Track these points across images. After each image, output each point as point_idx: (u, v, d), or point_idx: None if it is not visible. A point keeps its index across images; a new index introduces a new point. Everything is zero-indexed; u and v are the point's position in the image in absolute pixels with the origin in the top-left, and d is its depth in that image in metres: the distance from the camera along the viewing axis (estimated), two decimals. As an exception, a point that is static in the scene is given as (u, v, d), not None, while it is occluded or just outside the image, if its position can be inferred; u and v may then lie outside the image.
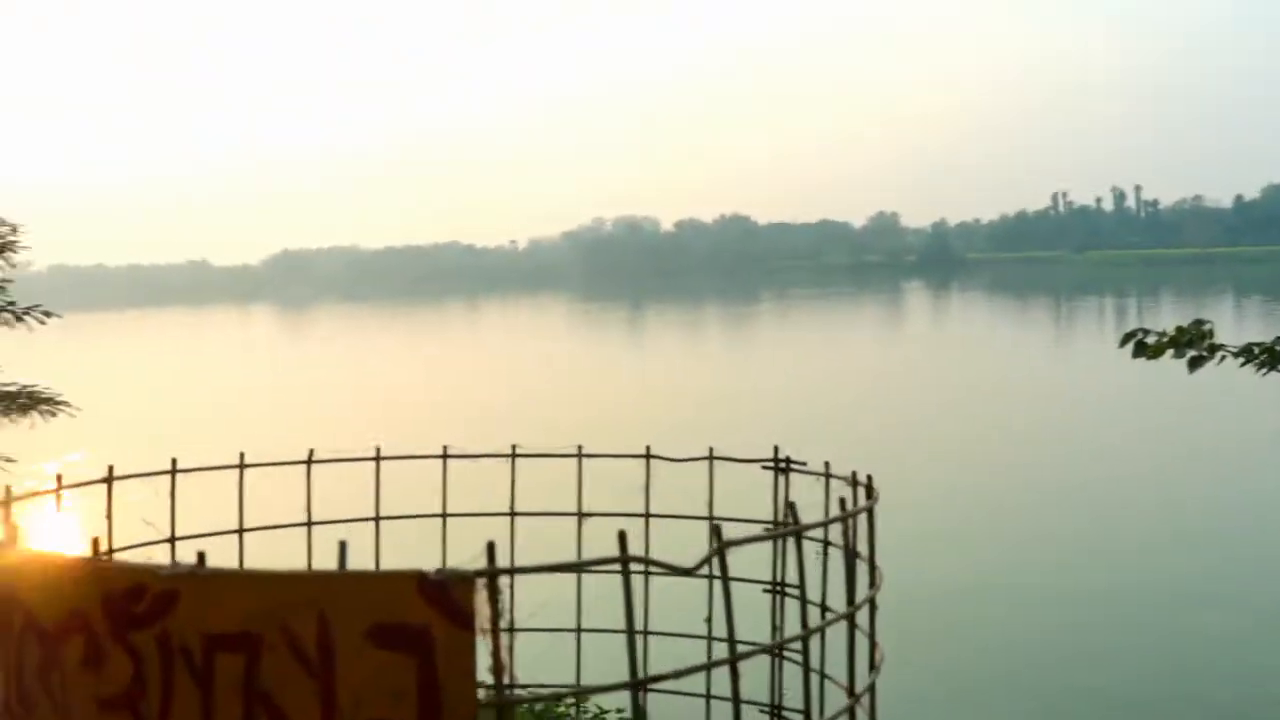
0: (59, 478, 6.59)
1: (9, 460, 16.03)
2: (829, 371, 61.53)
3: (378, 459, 7.72)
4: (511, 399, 50.32)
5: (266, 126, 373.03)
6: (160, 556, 8.51)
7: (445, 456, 7.94)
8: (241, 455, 7.48)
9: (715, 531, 2.72)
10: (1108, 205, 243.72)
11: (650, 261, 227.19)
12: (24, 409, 15.67)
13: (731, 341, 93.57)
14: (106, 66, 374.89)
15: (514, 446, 7.86)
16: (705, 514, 7.25)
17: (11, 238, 15.60)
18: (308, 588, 2.48)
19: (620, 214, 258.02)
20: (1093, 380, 52.47)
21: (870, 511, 4.05)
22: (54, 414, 16.03)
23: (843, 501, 4.10)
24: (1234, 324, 68.61)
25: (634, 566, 2.51)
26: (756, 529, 7.09)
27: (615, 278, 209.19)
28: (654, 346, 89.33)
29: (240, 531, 7.46)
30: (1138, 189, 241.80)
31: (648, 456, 7.70)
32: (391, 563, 8.01)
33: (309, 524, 7.56)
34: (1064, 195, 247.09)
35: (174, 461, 7.27)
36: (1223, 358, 6.77)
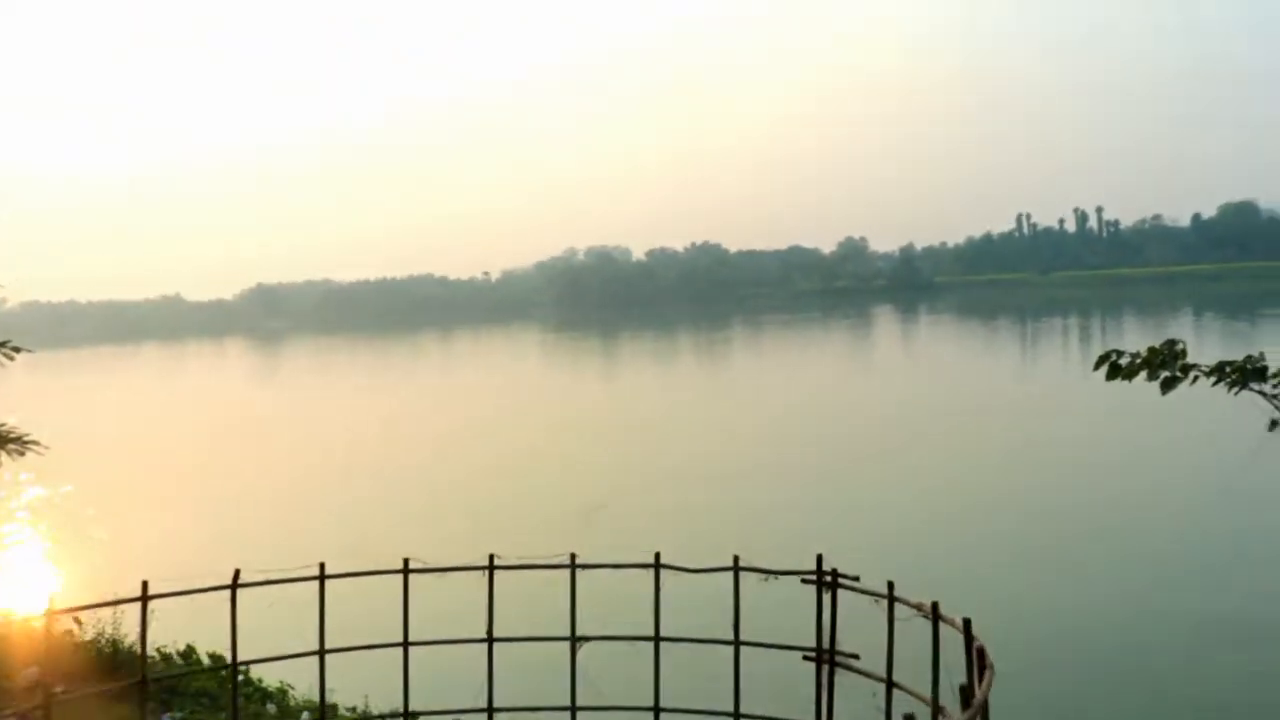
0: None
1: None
2: (798, 406, 61.06)
3: (321, 578, 6.60)
4: (482, 462, 46.34)
5: (232, 149, 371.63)
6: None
7: (407, 571, 6.55)
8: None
9: None
10: (1070, 226, 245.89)
11: (622, 290, 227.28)
12: (-8, 449, 15.40)
13: (703, 373, 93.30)
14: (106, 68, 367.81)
15: (491, 557, 6.49)
16: (729, 637, 6.08)
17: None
18: None
19: (592, 244, 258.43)
20: (1062, 403, 52.76)
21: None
22: (22, 453, 15.78)
23: (964, 690, 3.20)
24: (1195, 341, 68.93)
25: None
26: (795, 657, 6.10)
27: (587, 307, 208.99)
28: (627, 380, 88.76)
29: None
30: (1099, 210, 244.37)
31: (656, 566, 6.07)
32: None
33: (234, 666, 7.05)
34: (1028, 217, 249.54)
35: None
36: (1195, 378, 6.75)
